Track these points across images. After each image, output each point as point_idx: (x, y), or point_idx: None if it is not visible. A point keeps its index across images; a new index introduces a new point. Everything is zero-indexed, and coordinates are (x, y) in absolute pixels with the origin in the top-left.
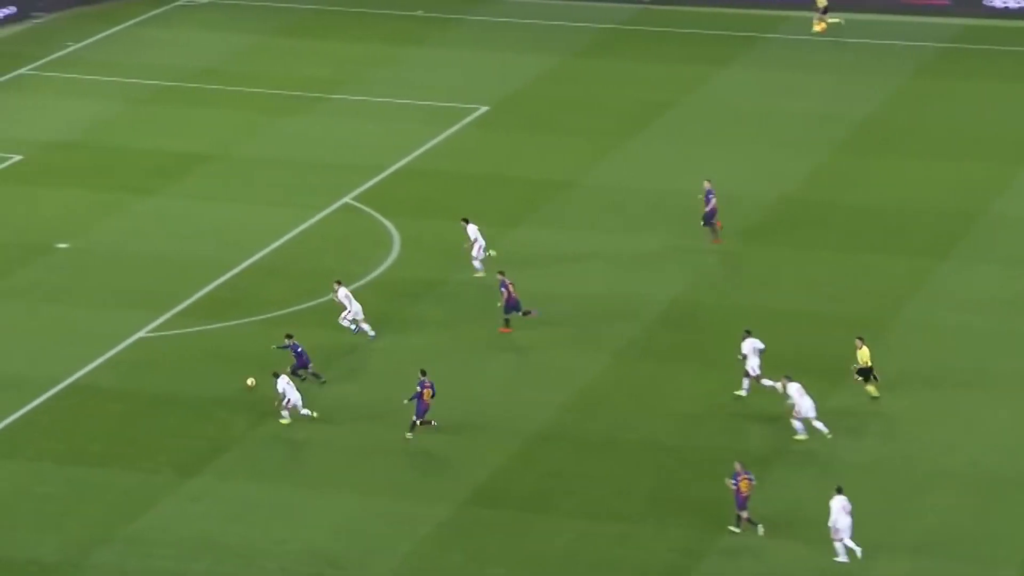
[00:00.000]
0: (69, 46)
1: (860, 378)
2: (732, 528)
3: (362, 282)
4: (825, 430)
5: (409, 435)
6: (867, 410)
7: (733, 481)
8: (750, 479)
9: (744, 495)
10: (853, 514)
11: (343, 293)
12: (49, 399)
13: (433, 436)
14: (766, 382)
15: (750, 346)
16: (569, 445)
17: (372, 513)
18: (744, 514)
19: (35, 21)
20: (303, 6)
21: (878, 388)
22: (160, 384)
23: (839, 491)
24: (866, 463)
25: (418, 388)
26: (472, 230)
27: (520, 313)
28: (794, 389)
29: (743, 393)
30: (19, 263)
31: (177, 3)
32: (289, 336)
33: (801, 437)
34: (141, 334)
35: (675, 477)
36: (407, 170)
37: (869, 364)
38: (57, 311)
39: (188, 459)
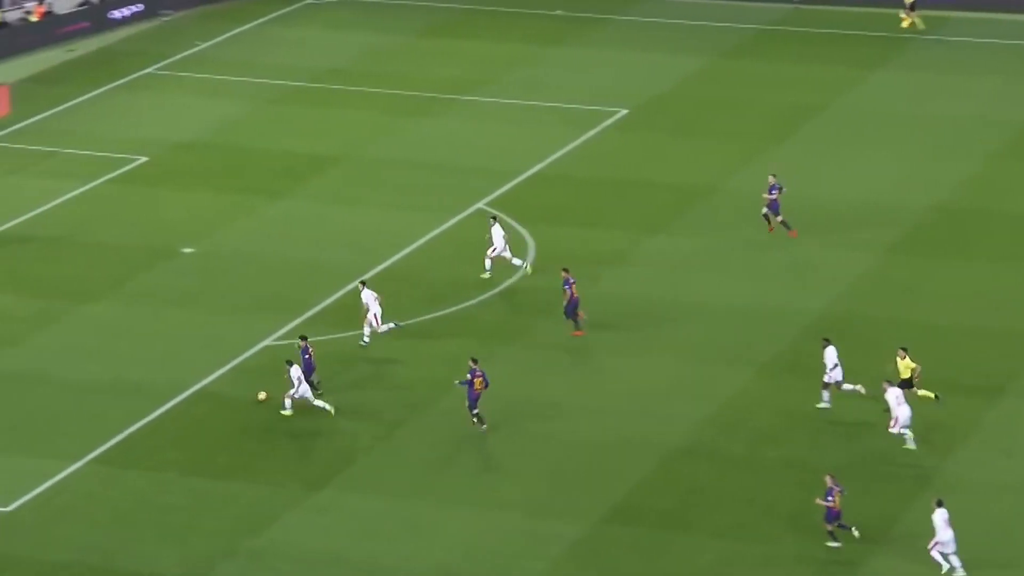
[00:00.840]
0: (197, 45)
1: (913, 389)
2: (832, 544)
3: (495, 291)
4: (912, 444)
5: (483, 427)
6: (991, 424)
7: (828, 497)
8: (842, 492)
9: (837, 509)
10: (954, 527)
11: (369, 295)
12: (173, 407)
13: (566, 451)
14: (847, 386)
15: (832, 355)
16: (709, 461)
17: (504, 530)
18: (830, 527)
19: (162, 19)
20: (436, 4)
21: (912, 396)
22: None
23: (940, 504)
24: (977, 479)
25: (468, 376)
26: (497, 231)
27: (574, 315)
28: (892, 397)
29: (826, 405)
30: (144, 267)
31: (305, 1)
32: (303, 338)
33: (911, 447)
34: (268, 341)
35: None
36: (543, 175)
37: (908, 376)
38: (182, 316)
39: (314, 471)
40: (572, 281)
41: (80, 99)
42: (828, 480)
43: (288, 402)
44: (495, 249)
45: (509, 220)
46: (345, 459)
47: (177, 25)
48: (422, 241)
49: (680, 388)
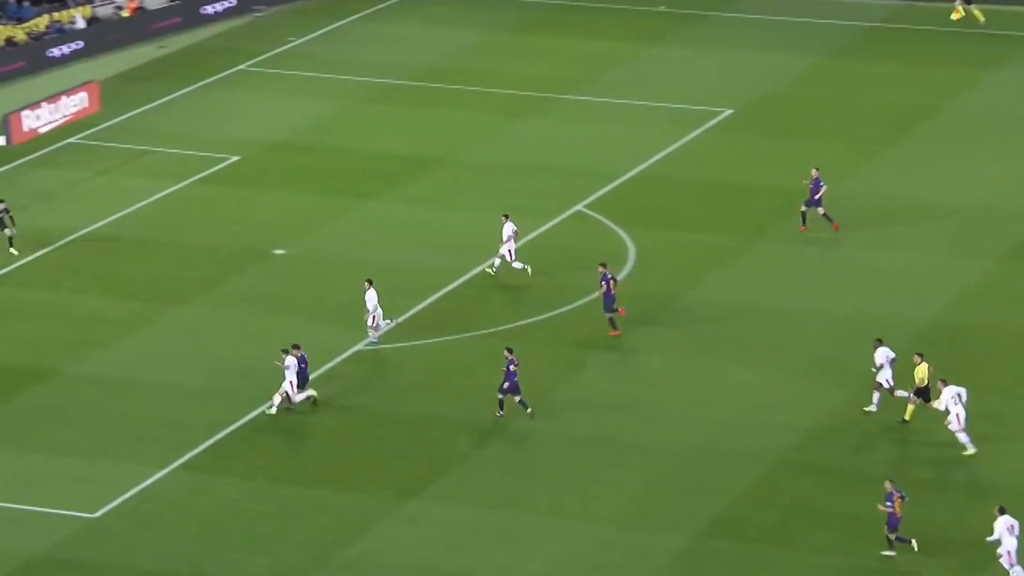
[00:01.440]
0: (291, 41)
1: (918, 399)
2: (887, 553)
3: (593, 296)
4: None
5: (529, 410)
6: None
7: (888, 503)
8: (903, 498)
9: (898, 516)
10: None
11: (372, 296)
12: (262, 414)
13: (665, 461)
14: (900, 393)
15: (883, 356)
16: (815, 474)
17: (602, 542)
18: (893, 535)
19: (255, 15)
20: (536, 0)
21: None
22: (378, 401)
23: (1002, 511)
24: None
25: (510, 367)
26: (508, 228)
27: (612, 311)
28: (948, 395)
29: (873, 408)
30: (234, 270)
31: None
32: (296, 347)
33: (970, 452)
34: (359, 347)
35: (936, 514)
36: (644, 176)
37: (927, 383)
38: (272, 320)
39: (406, 480)
40: (610, 277)
41: (171, 97)
42: (888, 486)
43: (278, 399)
44: (508, 250)
45: (608, 223)
46: (439, 468)
47: (270, 21)
48: (519, 244)
49: (784, 398)
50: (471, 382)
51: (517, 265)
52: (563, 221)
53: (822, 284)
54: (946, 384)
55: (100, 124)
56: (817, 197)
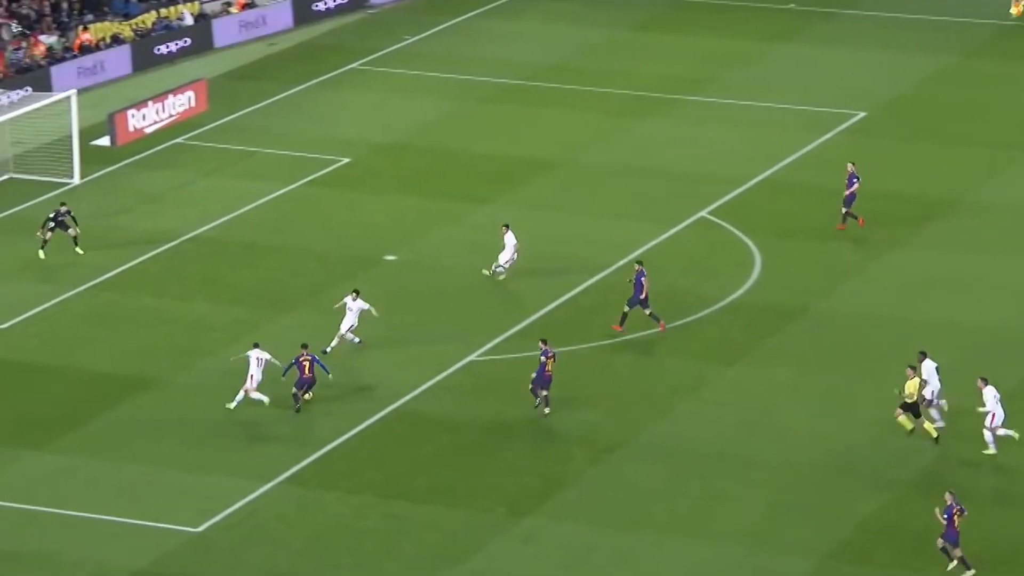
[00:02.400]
0: (405, 39)
1: (906, 413)
2: (952, 567)
3: (717, 306)
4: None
5: (546, 410)
6: None
7: (946, 515)
8: (963, 512)
9: (957, 530)
10: None
11: (357, 305)
12: (372, 425)
13: (792, 480)
14: (932, 410)
15: (929, 369)
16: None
17: (725, 564)
18: (958, 552)
19: (369, 11)
20: None
21: (912, 421)
22: (492, 413)
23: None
24: None
25: (541, 358)
26: (510, 239)
27: (647, 311)
28: (990, 395)
29: (939, 424)
30: (344, 276)
31: None
32: (304, 346)
33: (991, 452)
34: (473, 357)
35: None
36: (772, 182)
37: (915, 398)
38: (382, 329)
39: (521, 497)
40: (644, 276)
41: (280, 96)
42: (948, 498)
43: (241, 395)
44: (509, 260)
45: (733, 230)
46: (555, 484)
47: (384, 18)
48: (639, 252)
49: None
50: (588, 395)
51: (499, 270)
52: (685, 228)
53: (957, 295)
54: (986, 383)
55: (207, 124)
56: (850, 192)
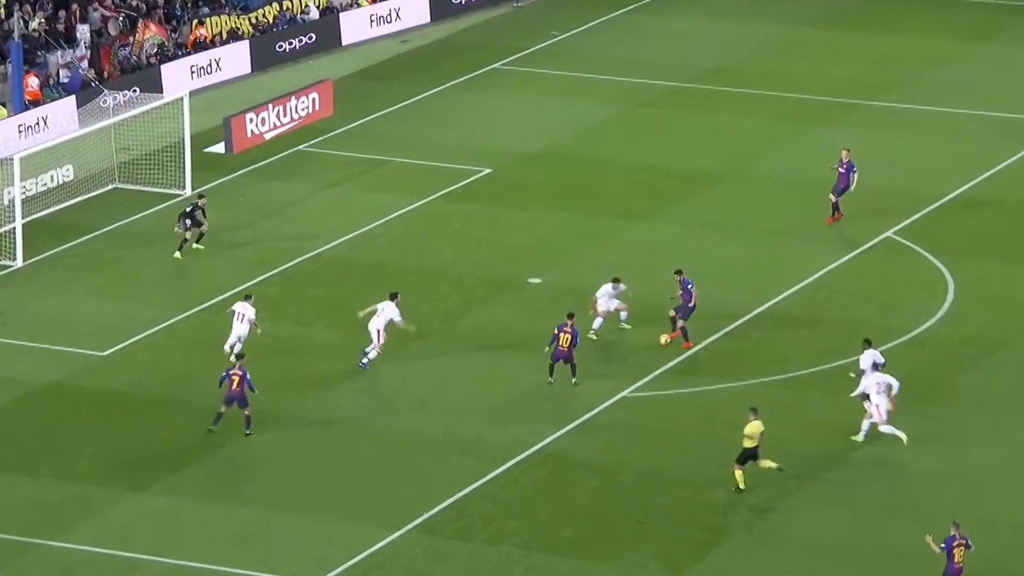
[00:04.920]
0: (553, 36)
1: (748, 462)
2: None
3: (903, 339)
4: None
5: (550, 379)
6: None
7: (944, 546)
8: (967, 546)
9: (958, 566)
10: None
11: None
12: (512, 469)
13: (990, 540)
14: (868, 404)
15: (869, 360)
16: None
17: None
18: None
19: (514, 5)
20: None
21: (743, 476)
22: (646, 456)
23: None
24: None
25: (556, 331)
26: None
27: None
28: (872, 383)
29: (860, 438)
30: (482, 300)
31: None
32: (239, 357)
33: (859, 438)
34: (625, 393)
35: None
36: (969, 198)
37: (757, 443)
38: (525, 360)
39: (678, 551)
40: (690, 284)
41: (414, 99)
42: (952, 529)
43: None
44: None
45: (923, 252)
46: (716, 536)
47: (531, 12)
48: (816, 276)
49: None
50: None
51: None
52: (869, 250)
53: None
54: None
55: (333, 130)
56: (845, 185)
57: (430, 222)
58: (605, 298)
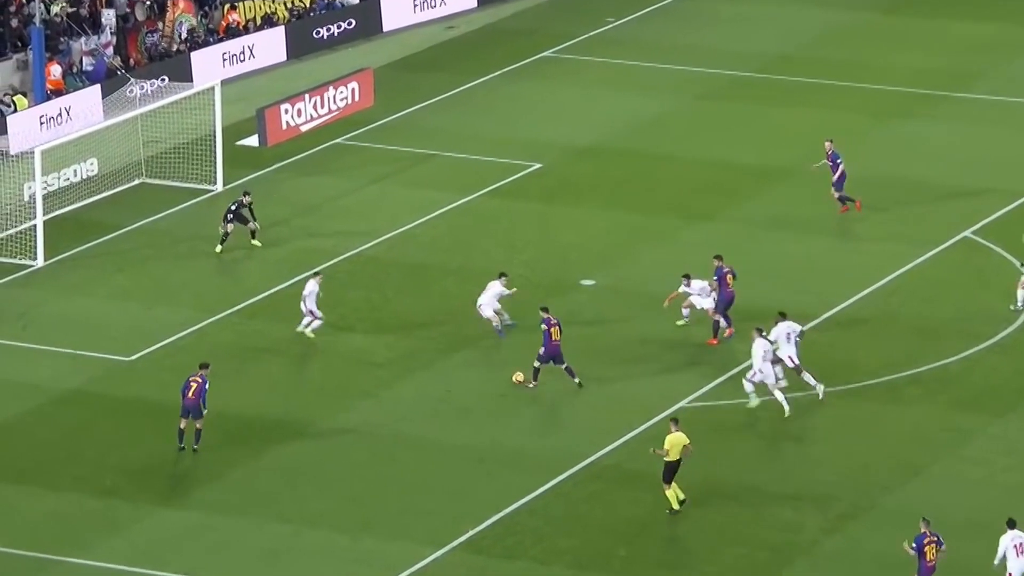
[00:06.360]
0: (608, 22)
1: (666, 483)
2: None
3: (982, 345)
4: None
5: (532, 384)
6: None
7: (915, 546)
8: (938, 544)
9: (930, 564)
10: None
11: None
12: (563, 483)
13: None
14: (808, 377)
15: (783, 331)
16: None
17: None
18: None
19: None
20: None
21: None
22: (706, 469)
23: (1011, 525)
24: None
25: (543, 327)
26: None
27: (715, 316)
28: (758, 349)
29: (754, 402)
30: (530, 304)
31: None
32: (203, 366)
33: (753, 404)
34: (683, 403)
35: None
36: None
37: (680, 458)
38: (577, 367)
39: (744, 571)
40: (726, 270)
41: (459, 89)
42: (922, 526)
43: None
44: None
45: (1003, 253)
46: (783, 556)
47: None
48: (889, 279)
49: None
50: (822, 449)
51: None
52: (945, 250)
53: None
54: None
55: (373, 122)
56: (840, 171)
57: (475, 220)
58: (699, 297)
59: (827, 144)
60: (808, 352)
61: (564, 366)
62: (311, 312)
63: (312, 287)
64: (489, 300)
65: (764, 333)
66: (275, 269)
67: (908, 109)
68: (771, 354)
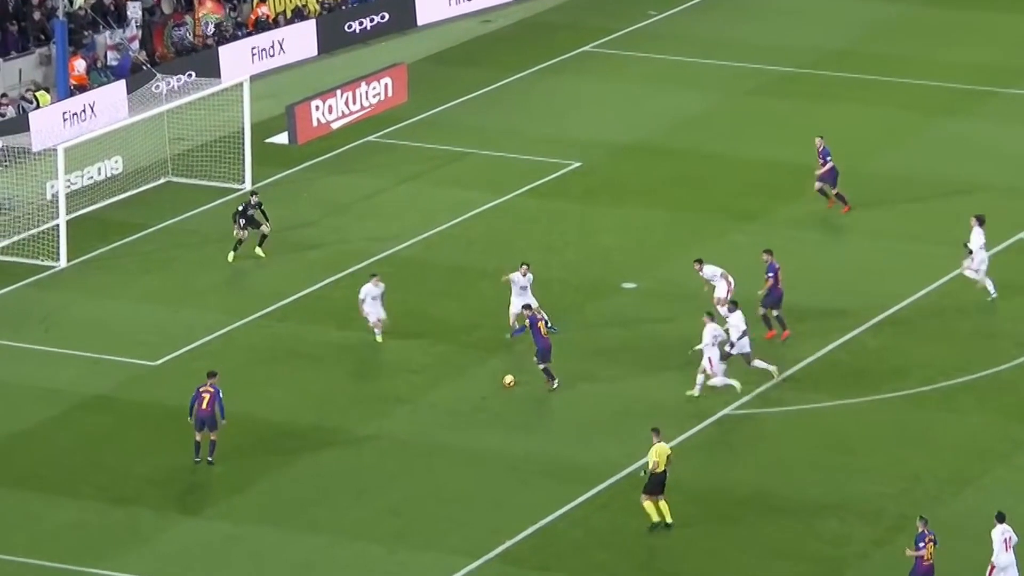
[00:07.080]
0: (651, 15)
1: (647, 497)
2: None
3: None
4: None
5: (555, 383)
6: None
7: (919, 545)
8: (935, 542)
9: (928, 563)
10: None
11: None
12: (602, 493)
13: None
14: (758, 363)
15: (710, 334)
16: None
17: None
18: None
19: None
20: None
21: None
22: (751, 479)
23: (1000, 519)
24: None
25: (527, 323)
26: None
27: (761, 311)
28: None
29: (696, 393)
30: (572, 307)
31: None
32: (211, 375)
33: (694, 393)
34: (728, 410)
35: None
36: None
37: (663, 467)
38: (613, 371)
39: None
40: (777, 267)
41: (496, 85)
42: (919, 524)
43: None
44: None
45: None
46: (831, 569)
47: None
48: (942, 282)
49: None
50: (872, 458)
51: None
52: (1000, 253)
53: None
54: (712, 319)
55: (407, 119)
56: (827, 170)
57: (514, 221)
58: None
59: (817, 140)
60: (859, 358)
61: (544, 366)
62: (365, 316)
63: (370, 290)
64: (514, 300)
65: (714, 318)
66: (306, 270)
67: (959, 105)
68: (721, 338)
